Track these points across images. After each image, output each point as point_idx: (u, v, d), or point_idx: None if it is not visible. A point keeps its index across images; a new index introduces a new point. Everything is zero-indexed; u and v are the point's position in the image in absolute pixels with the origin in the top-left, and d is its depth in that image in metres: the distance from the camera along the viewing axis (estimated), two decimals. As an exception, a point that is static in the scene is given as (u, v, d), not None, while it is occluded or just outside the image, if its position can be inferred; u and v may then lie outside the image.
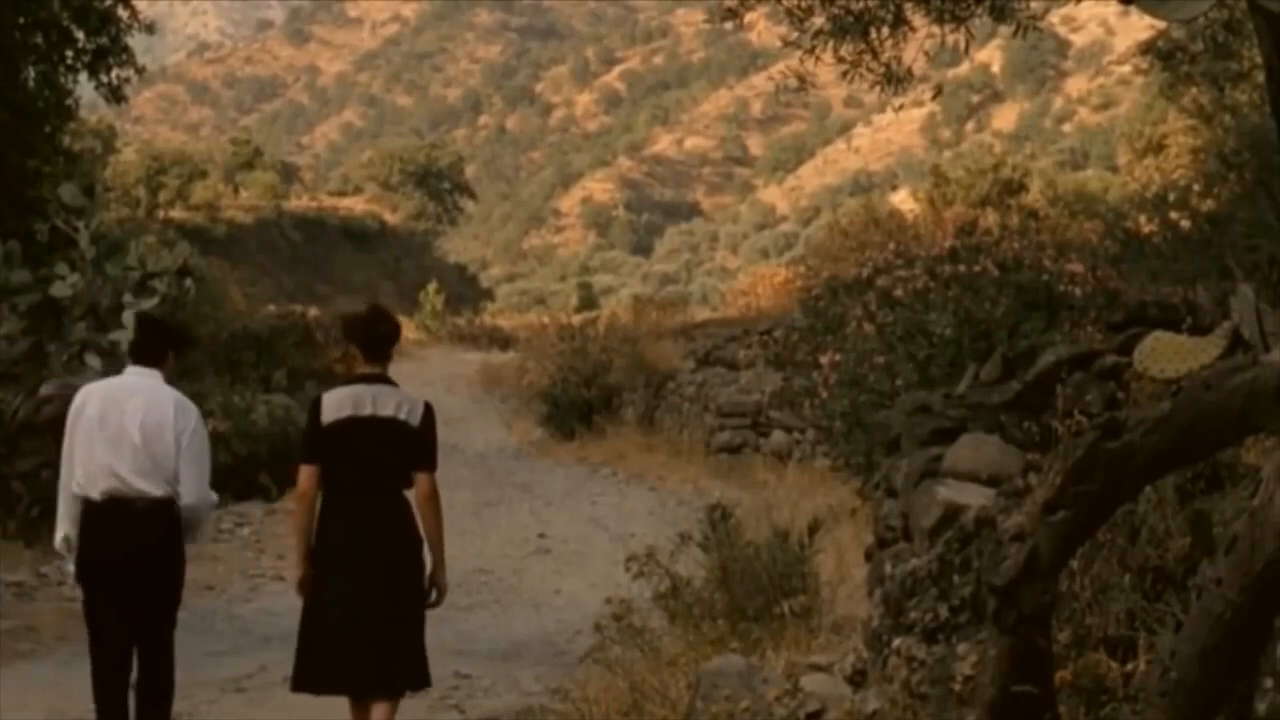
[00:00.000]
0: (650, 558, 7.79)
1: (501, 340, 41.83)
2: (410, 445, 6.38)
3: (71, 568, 6.63)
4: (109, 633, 6.48)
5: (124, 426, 6.40)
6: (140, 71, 20.39)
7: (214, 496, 6.70)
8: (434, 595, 6.54)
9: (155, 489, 6.37)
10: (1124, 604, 4.53)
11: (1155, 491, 4.67)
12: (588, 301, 62.78)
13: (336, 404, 6.40)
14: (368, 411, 6.34)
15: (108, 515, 6.37)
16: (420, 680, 6.49)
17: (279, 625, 9.95)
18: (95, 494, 6.38)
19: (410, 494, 6.44)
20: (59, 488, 6.62)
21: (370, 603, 6.30)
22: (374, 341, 6.52)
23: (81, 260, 14.25)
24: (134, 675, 6.60)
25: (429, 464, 6.41)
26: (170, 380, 6.65)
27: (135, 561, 6.39)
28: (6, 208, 16.35)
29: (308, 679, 6.47)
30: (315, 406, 6.50)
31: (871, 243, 23.20)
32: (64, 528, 6.54)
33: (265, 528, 14.71)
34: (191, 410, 6.55)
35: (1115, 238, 12.54)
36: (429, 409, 6.50)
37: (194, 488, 6.45)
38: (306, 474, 6.44)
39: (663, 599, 7.78)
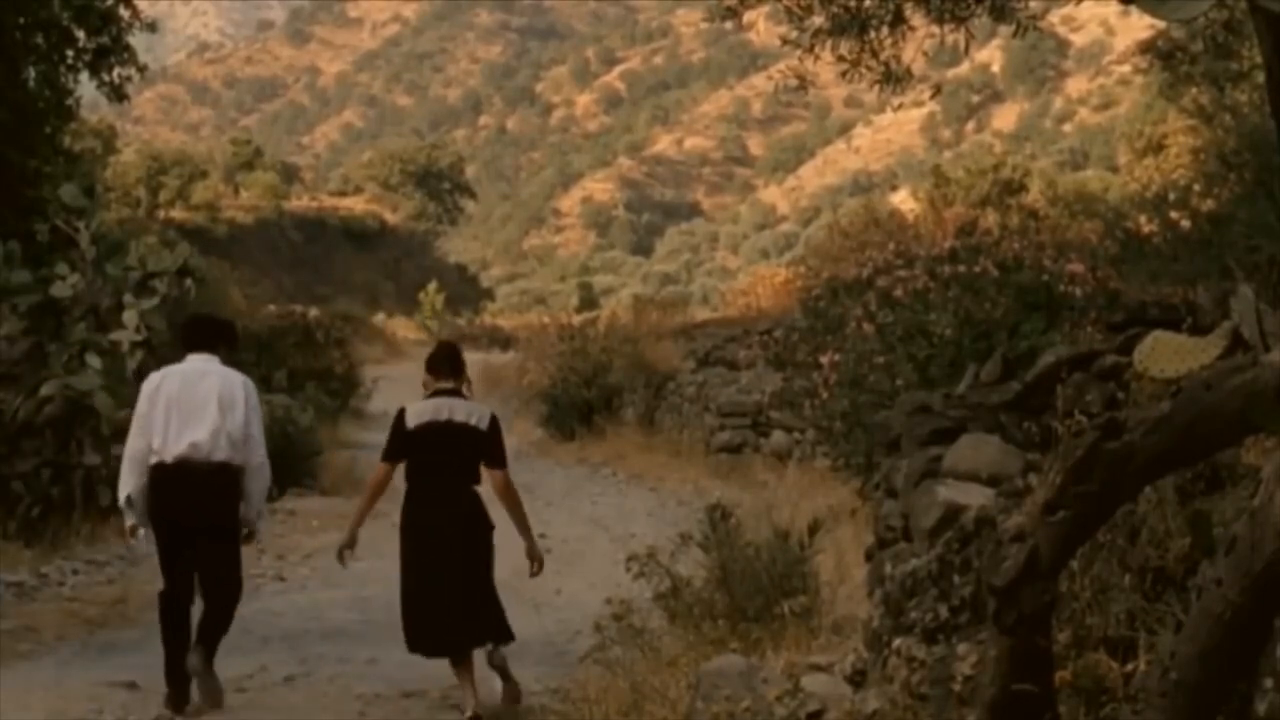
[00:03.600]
0: (650, 558, 7.80)
1: (502, 340, 41.84)
2: (480, 445, 7.66)
3: (130, 522, 7.75)
4: (180, 572, 7.62)
5: (202, 402, 7.54)
6: (142, 70, 20.36)
7: (267, 470, 7.83)
8: (535, 566, 7.92)
9: (223, 455, 7.53)
10: (1124, 604, 4.53)
11: (1155, 491, 4.67)
12: (588, 302, 62.81)
13: (418, 413, 7.68)
14: (444, 418, 7.63)
15: (181, 476, 7.48)
16: (508, 634, 7.71)
17: (279, 625, 9.96)
18: (169, 458, 7.48)
19: (479, 487, 7.67)
20: (125, 456, 7.75)
21: (459, 574, 7.49)
22: (433, 362, 7.88)
23: (82, 260, 14.25)
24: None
25: (500, 462, 7.73)
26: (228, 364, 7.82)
27: (205, 512, 7.55)
28: (7, 208, 16.33)
29: (422, 643, 7.59)
30: (400, 415, 7.78)
31: (871, 243, 23.20)
32: (126, 489, 7.66)
33: (266, 528, 14.69)
34: (253, 388, 7.78)
35: (1115, 238, 12.52)
36: (494, 417, 7.81)
37: (258, 450, 7.67)
38: (383, 469, 7.82)
39: (663, 599, 7.79)
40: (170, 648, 7.64)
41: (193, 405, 7.54)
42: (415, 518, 7.63)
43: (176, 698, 7.58)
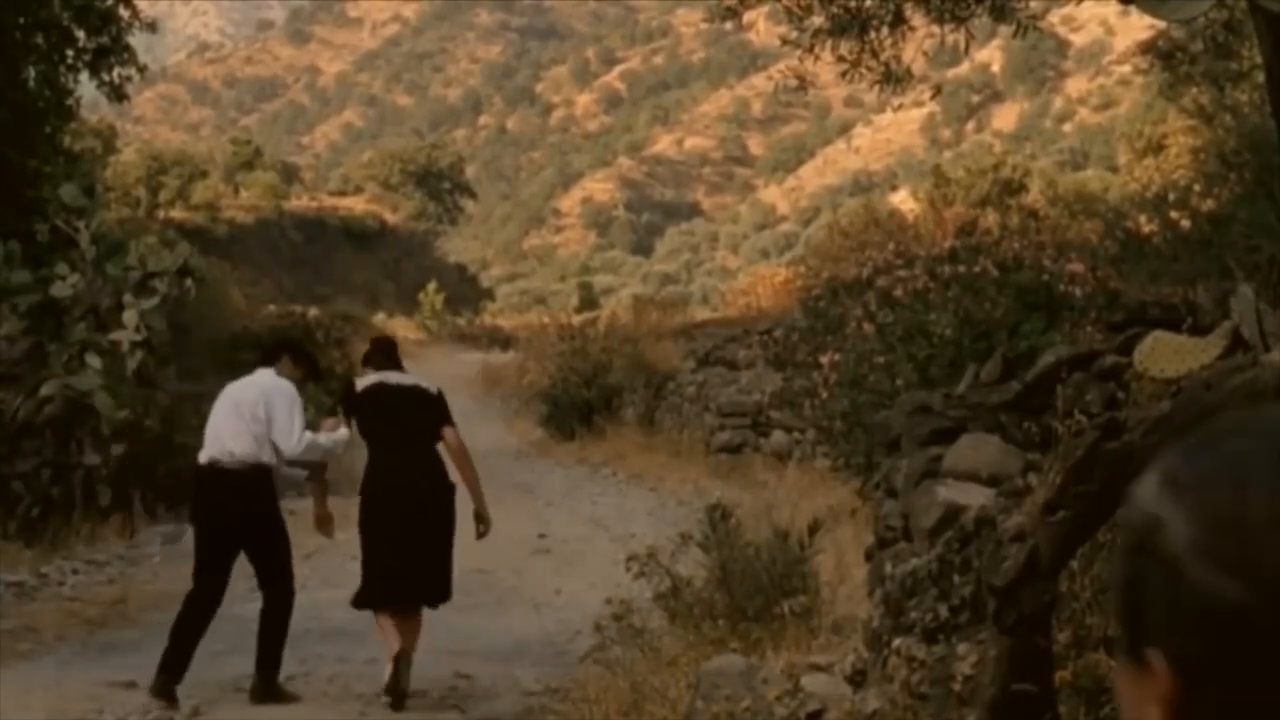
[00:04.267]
0: (650, 558, 7.80)
1: (502, 340, 41.79)
2: (432, 406, 7.94)
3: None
4: (210, 577, 7.92)
5: (232, 407, 8.02)
6: (142, 70, 20.35)
7: (308, 436, 8.01)
8: (482, 527, 8.05)
9: (244, 451, 7.88)
10: (1124, 604, 4.51)
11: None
12: (588, 301, 62.75)
13: (365, 380, 8.10)
14: (393, 382, 8.00)
15: (211, 475, 7.94)
16: (447, 596, 7.91)
17: (279, 625, 9.94)
18: (204, 460, 7.99)
19: (440, 447, 7.92)
20: None
21: (420, 532, 7.72)
22: (372, 357, 8.25)
23: (82, 260, 14.24)
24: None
25: (451, 420, 7.96)
26: (292, 378, 8.16)
27: (234, 506, 7.89)
28: (7, 208, 16.32)
29: (376, 598, 7.78)
30: (349, 385, 8.33)
31: (871, 243, 23.19)
32: None
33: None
34: (280, 389, 8.03)
35: (1115, 238, 12.53)
36: (439, 388, 8.13)
37: (287, 442, 7.92)
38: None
39: (663, 599, 7.78)
40: (175, 640, 7.81)
41: (227, 410, 8.04)
42: (379, 478, 7.87)
43: (162, 686, 7.72)
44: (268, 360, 8.32)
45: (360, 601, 7.93)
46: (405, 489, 7.77)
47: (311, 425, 8.34)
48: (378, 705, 7.80)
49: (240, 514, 7.94)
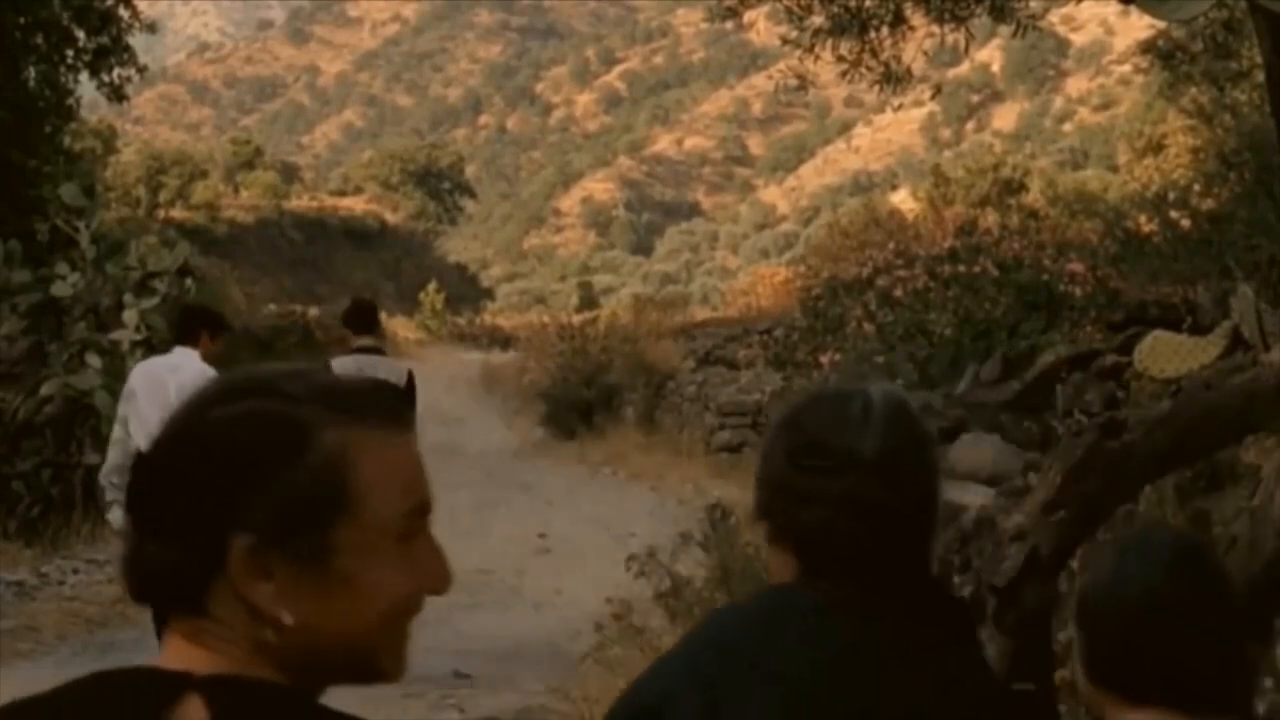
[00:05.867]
0: (651, 557, 7.80)
1: (502, 340, 41.77)
2: None
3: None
4: None
5: (169, 396, 7.42)
6: (142, 71, 20.37)
7: None
8: None
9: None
10: (1124, 604, 4.52)
11: (1155, 491, 4.67)
12: (588, 301, 62.75)
13: (340, 367, 7.94)
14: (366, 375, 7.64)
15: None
16: None
17: (279, 625, 9.95)
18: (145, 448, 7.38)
19: None
20: (110, 463, 7.72)
21: None
22: (361, 320, 8.51)
23: (82, 260, 14.24)
24: None
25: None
26: (211, 356, 7.77)
27: None
28: (7, 208, 16.32)
29: None
30: (326, 369, 7.71)
31: (871, 243, 23.19)
32: (117, 501, 7.52)
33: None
34: (186, 369, 7.57)
35: (1115, 238, 12.52)
36: (410, 374, 8.28)
37: None
38: None
39: (663, 598, 7.79)
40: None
41: (163, 399, 7.72)
42: None
43: None
44: (184, 339, 7.96)
45: None
46: None
47: None
48: (377, 705, 7.80)
49: None
